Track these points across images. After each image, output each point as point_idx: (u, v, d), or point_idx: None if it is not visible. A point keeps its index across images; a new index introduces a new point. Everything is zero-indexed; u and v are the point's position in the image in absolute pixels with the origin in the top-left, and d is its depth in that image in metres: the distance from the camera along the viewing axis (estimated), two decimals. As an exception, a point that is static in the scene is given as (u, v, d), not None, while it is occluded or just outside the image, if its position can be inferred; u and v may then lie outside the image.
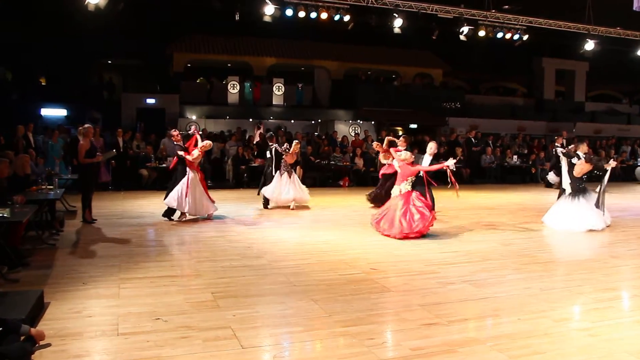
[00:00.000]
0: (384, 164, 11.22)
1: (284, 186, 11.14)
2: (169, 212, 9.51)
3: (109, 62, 24.10)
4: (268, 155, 11.58)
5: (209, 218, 9.61)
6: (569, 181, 9.33)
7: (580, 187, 9.25)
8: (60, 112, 20.36)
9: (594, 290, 5.67)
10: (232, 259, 6.74)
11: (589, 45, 16.99)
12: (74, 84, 20.73)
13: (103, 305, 4.96)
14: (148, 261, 6.58)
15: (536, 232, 9.03)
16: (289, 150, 11.17)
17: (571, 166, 9.37)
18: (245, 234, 8.39)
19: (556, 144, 15.43)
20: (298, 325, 4.55)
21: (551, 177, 15.43)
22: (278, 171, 11.22)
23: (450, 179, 8.29)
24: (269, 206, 11.30)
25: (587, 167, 9.27)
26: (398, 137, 11.44)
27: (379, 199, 10.88)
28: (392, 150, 10.24)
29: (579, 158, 9.28)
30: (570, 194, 9.27)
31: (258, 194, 11.60)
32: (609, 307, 5.13)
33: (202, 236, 8.25)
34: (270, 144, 11.48)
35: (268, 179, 11.37)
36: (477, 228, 9.26)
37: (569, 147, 15.12)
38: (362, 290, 5.53)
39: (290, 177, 11.23)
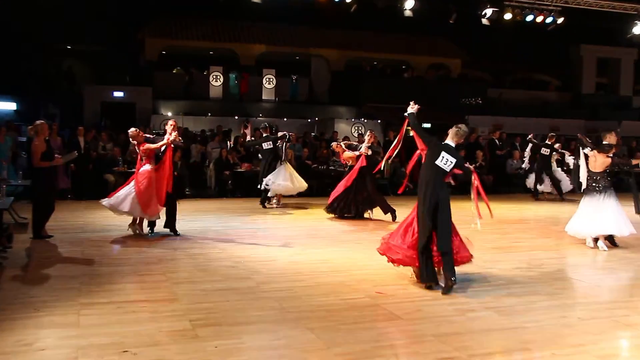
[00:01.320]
0: (346, 164, 12.01)
1: (288, 175, 12.83)
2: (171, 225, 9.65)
3: (69, 47, 24.12)
4: (266, 146, 12.79)
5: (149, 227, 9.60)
6: (587, 177, 9.15)
7: (599, 186, 8.94)
8: (9, 106, 20.32)
9: (643, 320, 5.66)
10: (214, 281, 6.73)
11: (638, 29, 17.00)
12: (25, 72, 20.72)
13: (59, 335, 4.91)
14: (114, 283, 6.55)
15: (572, 250, 9.02)
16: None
17: (586, 159, 9.19)
18: (230, 251, 8.37)
19: (548, 142, 15.59)
20: (291, 359, 4.52)
21: (531, 180, 15.79)
22: (284, 161, 12.89)
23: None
24: (266, 203, 13.00)
25: (602, 160, 8.95)
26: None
27: (338, 209, 11.65)
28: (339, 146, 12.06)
29: (592, 149, 9.11)
30: (586, 193, 9.11)
31: (260, 186, 12.90)
32: (660, 340, 5.12)
33: (179, 254, 8.23)
34: (265, 134, 13.09)
35: (268, 172, 12.77)
36: (502, 245, 9.25)
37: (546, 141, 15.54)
38: (367, 318, 5.51)
39: (289, 167, 13.05)
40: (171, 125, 9.57)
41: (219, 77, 21.50)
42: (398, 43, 24.66)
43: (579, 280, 7.29)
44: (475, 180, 6.74)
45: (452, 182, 6.78)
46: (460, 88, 23.56)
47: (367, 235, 10.12)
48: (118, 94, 19.99)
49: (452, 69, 25.32)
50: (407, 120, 6.85)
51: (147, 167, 9.34)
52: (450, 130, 6.63)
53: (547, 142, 15.65)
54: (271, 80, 22.06)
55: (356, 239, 9.71)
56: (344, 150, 11.99)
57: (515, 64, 27.80)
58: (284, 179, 12.78)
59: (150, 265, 7.55)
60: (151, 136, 9.77)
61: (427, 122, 21.76)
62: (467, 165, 6.77)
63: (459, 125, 6.64)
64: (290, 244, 9.05)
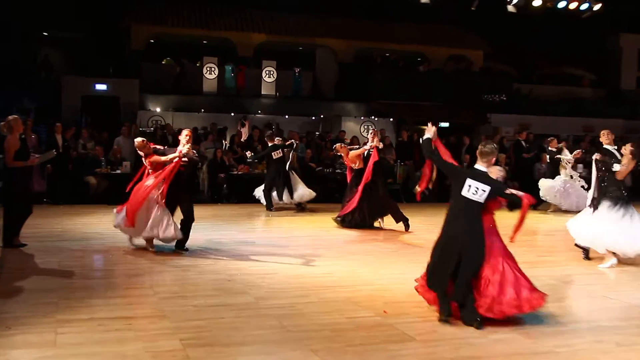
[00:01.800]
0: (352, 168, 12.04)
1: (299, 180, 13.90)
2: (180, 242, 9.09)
3: (45, 34, 24.16)
4: (276, 155, 13.42)
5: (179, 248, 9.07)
6: (607, 189, 9.12)
7: (624, 195, 8.93)
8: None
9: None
10: (207, 296, 6.74)
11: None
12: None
13: (34, 356, 4.91)
14: (96, 297, 6.57)
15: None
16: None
17: (609, 172, 9.18)
18: (225, 263, 8.39)
19: (550, 148, 15.07)
20: (293, 385, 4.53)
21: (548, 186, 14.63)
22: (292, 170, 13.83)
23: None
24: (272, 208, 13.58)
25: (632, 166, 8.99)
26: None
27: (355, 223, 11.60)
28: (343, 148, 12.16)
29: (619, 161, 9.12)
30: (610, 203, 9.06)
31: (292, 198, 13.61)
32: None
33: (168, 265, 8.24)
34: (271, 143, 13.60)
35: (284, 183, 13.48)
36: (529, 259, 9.20)
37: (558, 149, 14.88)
38: (377, 339, 5.51)
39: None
40: (186, 135, 9.04)
41: (213, 69, 21.52)
42: (413, 32, 24.63)
43: (615, 300, 7.26)
44: (525, 207, 6.01)
45: (506, 209, 6.23)
46: (482, 83, 23.49)
47: (377, 246, 10.13)
48: (100, 86, 20.02)
49: (473, 61, 25.26)
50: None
51: (150, 181, 8.90)
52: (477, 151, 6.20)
53: (548, 147, 15.20)
54: (271, 73, 22.08)
55: (365, 250, 9.71)
56: (349, 152, 11.93)
57: (545, 56, 27.69)
58: (302, 185, 13.82)
59: (136, 278, 7.57)
60: (161, 147, 9.39)
61: (445, 121, 21.78)
62: (511, 191, 6.11)
63: (484, 142, 6.21)
64: (292, 255, 9.06)
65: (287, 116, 21.20)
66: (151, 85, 20.76)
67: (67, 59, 23.81)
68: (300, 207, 13.89)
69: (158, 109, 20.46)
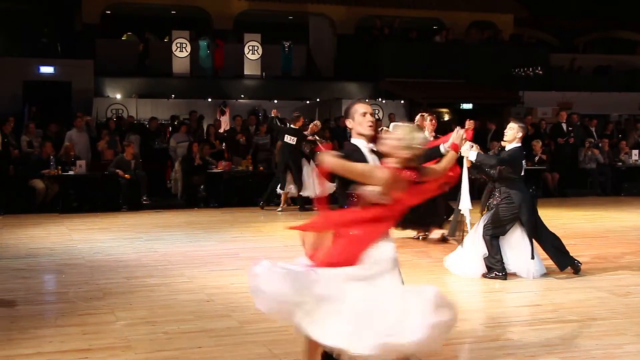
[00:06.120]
0: None
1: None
2: None
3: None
4: (289, 140, 14.07)
5: None
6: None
7: None
8: None
9: None
10: (181, 320, 6.74)
11: None
12: None
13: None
14: (43, 327, 6.55)
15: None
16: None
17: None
18: (203, 280, 8.38)
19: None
20: None
21: None
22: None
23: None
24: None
25: None
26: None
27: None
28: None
29: None
30: None
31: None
32: None
33: (134, 285, 8.23)
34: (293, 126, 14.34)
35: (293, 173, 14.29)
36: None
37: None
38: (388, 367, 5.52)
39: None
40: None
41: (184, 45, 21.50)
42: (427, -5, 24.70)
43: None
44: None
45: None
46: (513, 54, 23.48)
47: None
48: (46, 69, 19.98)
49: (501, 28, 25.27)
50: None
51: None
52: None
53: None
54: (255, 49, 22.06)
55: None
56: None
57: (590, 18, 27.64)
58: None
59: (94, 302, 7.55)
60: None
61: (467, 102, 21.78)
62: None
63: None
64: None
65: (275, 101, 21.18)
66: (109, 66, 20.72)
67: (3, 36, 23.76)
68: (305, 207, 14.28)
69: (118, 96, 20.45)
